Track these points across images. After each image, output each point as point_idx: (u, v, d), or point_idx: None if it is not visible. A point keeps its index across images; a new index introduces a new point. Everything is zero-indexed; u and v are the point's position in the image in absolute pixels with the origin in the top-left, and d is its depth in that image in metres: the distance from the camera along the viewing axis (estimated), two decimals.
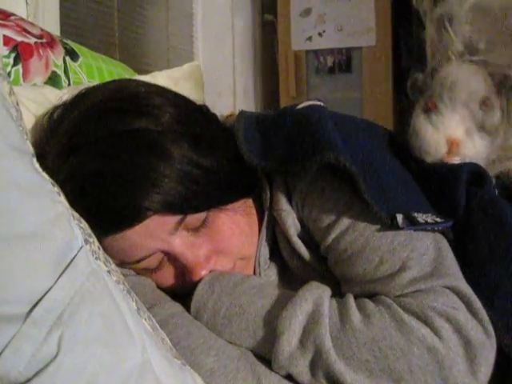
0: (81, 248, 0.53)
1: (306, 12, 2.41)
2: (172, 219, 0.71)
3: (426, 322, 0.63)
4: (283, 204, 0.77)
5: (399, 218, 0.68)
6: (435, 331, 0.62)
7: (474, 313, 0.64)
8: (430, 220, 0.70)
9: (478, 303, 0.65)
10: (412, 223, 0.68)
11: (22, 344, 0.45)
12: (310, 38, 2.43)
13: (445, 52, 0.83)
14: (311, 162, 0.70)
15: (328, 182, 0.75)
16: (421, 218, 0.69)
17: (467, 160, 0.78)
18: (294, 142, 0.75)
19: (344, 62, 2.44)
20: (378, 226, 0.70)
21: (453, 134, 0.77)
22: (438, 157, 0.78)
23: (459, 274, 0.68)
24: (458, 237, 0.72)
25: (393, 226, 0.68)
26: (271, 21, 2.51)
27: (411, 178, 0.78)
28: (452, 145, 0.77)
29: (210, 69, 2.26)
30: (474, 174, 0.79)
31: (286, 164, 0.73)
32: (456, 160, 0.78)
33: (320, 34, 2.42)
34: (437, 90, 0.79)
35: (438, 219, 0.71)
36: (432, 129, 0.78)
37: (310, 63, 2.45)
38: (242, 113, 0.86)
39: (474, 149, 0.77)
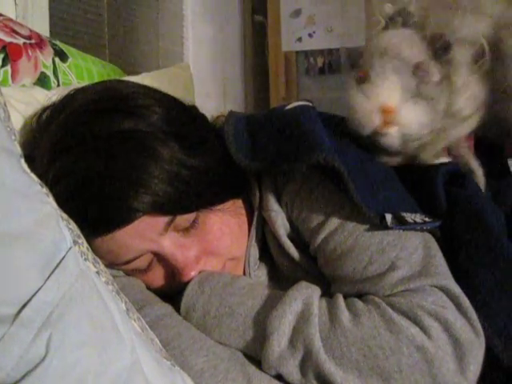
0: (69, 249, 0.52)
1: (296, 13, 2.41)
2: (161, 220, 0.71)
3: (415, 321, 0.63)
4: (272, 204, 0.77)
5: (388, 217, 0.69)
6: (424, 330, 0.63)
7: (462, 312, 0.64)
8: (418, 220, 0.70)
9: (466, 302, 0.65)
10: (401, 223, 0.69)
11: (10, 345, 0.45)
12: (299, 39, 2.43)
13: (377, 18, 0.79)
14: (300, 162, 0.70)
15: (317, 183, 0.75)
16: (409, 217, 0.70)
17: (406, 130, 0.73)
18: (282, 143, 0.75)
19: (334, 62, 2.44)
20: (367, 226, 0.70)
21: (385, 101, 0.72)
22: (373, 127, 0.73)
23: (448, 274, 0.69)
24: (444, 237, 0.73)
25: (382, 225, 0.69)
26: (261, 22, 2.51)
27: (397, 177, 0.78)
28: (385, 113, 0.72)
29: (200, 70, 2.26)
30: (452, 173, 0.79)
31: (275, 165, 0.73)
32: (393, 130, 0.73)
33: (310, 35, 2.42)
34: (368, 58, 0.75)
35: (427, 219, 0.71)
36: (364, 99, 0.73)
37: (300, 64, 2.45)
38: (231, 113, 0.86)
39: (410, 116, 0.72)
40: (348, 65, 0.78)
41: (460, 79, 0.74)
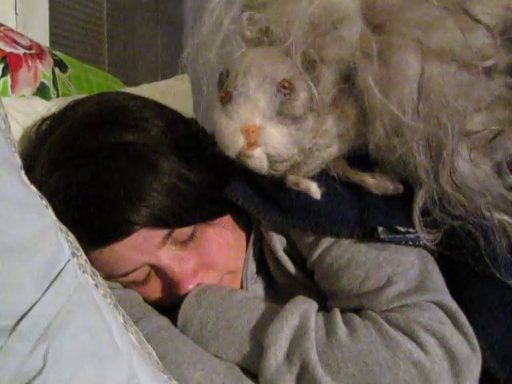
0: (68, 261, 0.52)
1: None
2: (159, 233, 0.71)
3: (412, 336, 0.63)
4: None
5: (380, 229, 0.69)
6: (421, 346, 0.63)
7: (459, 327, 0.64)
8: (411, 230, 0.70)
9: (463, 318, 0.65)
10: (393, 233, 0.69)
11: (7, 358, 0.45)
12: None
13: (237, 43, 0.74)
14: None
15: None
16: (402, 228, 0.70)
17: (270, 150, 0.68)
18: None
19: None
20: (363, 241, 0.70)
21: (247, 121, 0.67)
22: (237, 149, 0.68)
23: (445, 289, 0.69)
24: (442, 254, 0.72)
25: (374, 238, 0.69)
26: None
27: None
28: (248, 133, 0.67)
29: (199, 82, 2.26)
30: None
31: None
32: (257, 151, 0.68)
33: None
34: (232, 79, 0.70)
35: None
36: (227, 120, 0.69)
37: None
38: None
39: (274, 136, 0.67)
40: (220, 85, 0.74)
41: (328, 97, 0.70)
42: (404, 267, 0.68)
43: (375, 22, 0.69)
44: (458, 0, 0.68)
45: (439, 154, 0.66)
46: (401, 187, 0.71)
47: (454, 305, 0.66)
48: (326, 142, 0.72)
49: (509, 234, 0.67)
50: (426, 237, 0.68)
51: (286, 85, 0.69)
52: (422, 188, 0.67)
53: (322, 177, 0.73)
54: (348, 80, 0.70)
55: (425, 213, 0.69)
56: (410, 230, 0.69)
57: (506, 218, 0.68)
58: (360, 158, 0.73)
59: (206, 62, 0.75)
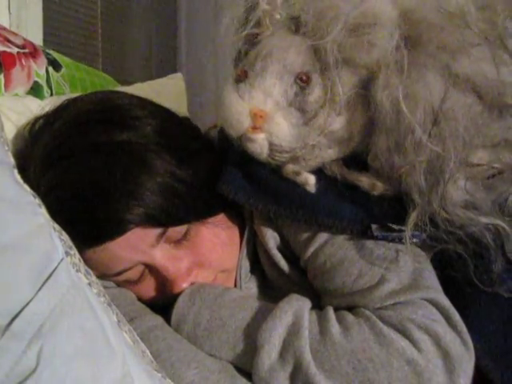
0: (61, 260, 0.52)
1: None
2: (153, 232, 0.71)
3: (405, 334, 0.63)
4: (263, 217, 0.78)
5: (373, 227, 0.69)
6: (414, 343, 0.63)
7: (452, 325, 0.65)
8: (404, 228, 0.70)
9: (456, 315, 0.66)
10: (387, 231, 0.69)
11: (0, 358, 0.45)
12: None
13: (266, 24, 0.72)
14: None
15: None
16: (396, 226, 0.70)
17: (274, 139, 0.68)
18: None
19: None
20: (356, 239, 0.71)
21: (258, 105, 0.67)
22: (242, 130, 0.68)
23: (438, 287, 0.69)
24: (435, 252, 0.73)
25: (367, 235, 0.69)
26: None
27: None
28: (255, 117, 0.66)
29: (193, 80, 2.26)
30: None
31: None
32: (261, 137, 0.68)
33: None
34: (251, 59, 0.69)
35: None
36: (237, 98, 0.68)
37: None
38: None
39: (281, 126, 0.67)
40: (232, 63, 0.74)
41: (341, 100, 0.69)
42: (397, 265, 0.68)
43: (409, 34, 0.68)
44: (499, 33, 0.67)
45: (437, 177, 0.65)
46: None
47: (447, 302, 0.67)
48: (329, 142, 0.72)
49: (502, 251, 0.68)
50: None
51: (304, 78, 0.68)
52: (416, 210, 0.67)
53: (319, 172, 0.73)
54: (365, 87, 0.69)
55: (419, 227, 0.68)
56: (404, 228, 0.69)
57: (492, 243, 0.67)
58: (356, 157, 0.73)
59: (238, 39, 0.74)
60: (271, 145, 0.69)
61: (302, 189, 0.71)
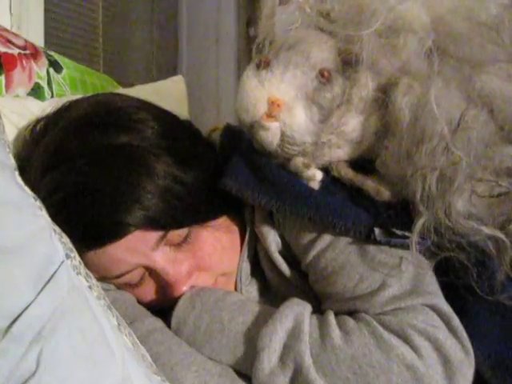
0: (62, 263, 0.52)
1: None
2: (154, 235, 0.71)
3: (406, 339, 0.63)
4: (264, 220, 0.77)
5: (377, 231, 0.69)
6: (415, 349, 0.63)
7: (453, 331, 0.65)
8: (408, 234, 0.70)
9: (457, 321, 0.66)
10: (390, 236, 0.69)
11: (0, 360, 0.45)
12: None
13: (295, 17, 0.74)
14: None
15: None
16: (399, 231, 0.70)
17: (287, 130, 0.68)
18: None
19: None
20: (358, 244, 0.70)
21: (276, 93, 0.67)
22: (256, 116, 0.68)
23: (439, 293, 0.69)
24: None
25: (370, 239, 0.69)
26: (256, 35, 2.52)
27: None
28: (273, 105, 0.66)
29: (194, 82, 2.26)
30: None
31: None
32: (275, 126, 0.67)
33: None
34: (276, 48, 0.70)
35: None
36: (257, 84, 0.68)
37: None
38: (228, 127, 0.87)
39: (296, 117, 0.67)
40: (255, 51, 0.74)
41: (359, 102, 0.70)
42: (398, 270, 0.68)
43: (437, 42, 0.68)
44: None
45: (446, 186, 0.65)
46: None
47: (447, 308, 0.67)
48: (339, 142, 0.72)
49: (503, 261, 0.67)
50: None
51: (326, 74, 0.68)
52: (422, 217, 0.67)
53: (326, 172, 0.73)
54: (384, 91, 0.70)
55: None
56: (407, 233, 0.69)
57: (494, 252, 0.67)
58: (364, 161, 0.73)
59: (268, 26, 0.76)
60: (283, 135, 0.69)
61: (308, 187, 0.71)
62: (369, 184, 0.71)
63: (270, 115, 0.68)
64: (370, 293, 0.68)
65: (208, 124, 0.95)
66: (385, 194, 0.70)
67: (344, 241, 0.71)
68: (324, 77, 0.68)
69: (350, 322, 0.66)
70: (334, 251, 0.71)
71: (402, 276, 0.68)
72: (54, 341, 0.47)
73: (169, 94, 1.16)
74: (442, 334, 0.64)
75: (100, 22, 1.97)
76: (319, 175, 0.71)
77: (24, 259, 0.49)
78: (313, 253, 0.73)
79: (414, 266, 0.69)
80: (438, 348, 0.63)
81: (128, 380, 0.52)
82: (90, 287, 0.56)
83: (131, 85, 1.23)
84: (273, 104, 0.67)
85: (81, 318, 0.51)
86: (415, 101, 0.66)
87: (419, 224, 0.66)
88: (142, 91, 1.10)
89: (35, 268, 0.50)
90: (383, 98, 0.69)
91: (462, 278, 0.68)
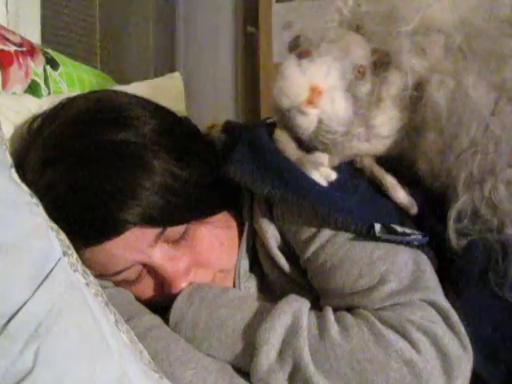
0: (59, 260, 0.52)
1: (288, 25, 2.42)
2: (152, 232, 0.71)
3: (404, 335, 0.63)
4: (264, 215, 0.77)
5: (377, 227, 0.69)
6: (413, 344, 0.63)
7: (451, 326, 0.65)
8: (407, 231, 0.70)
9: (455, 317, 0.66)
10: (390, 233, 0.69)
11: None
12: None
13: (332, 17, 0.80)
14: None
15: None
16: (399, 228, 0.70)
17: (325, 117, 0.70)
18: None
19: None
20: (357, 239, 0.70)
21: (318, 81, 0.70)
22: (297, 102, 0.70)
23: (438, 288, 0.69)
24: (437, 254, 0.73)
25: (370, 235, 0.69)
26: (253, 33, 2.52)
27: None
28: (314, 92, 0.69)
29: (191, 79, 2.26)
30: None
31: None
32: (314, 112, 0.70)
33: None
34: (317, 41, 0.74)
35: (416, 232, 0.71)
36: (299, 72, 0.71)
37: None
38: (228, 122, 0.87)
39: (335, 105, 0.70)
40: (292, 47, 0.77)
41: (387, 99, 0.75)
42: (397, 266, 0.68)
43: (463, 41, 0.72)
44: None
45: (489, 169, 0.68)
46: (414, 206, 0.74)
47: (446, 304, 0.67)
48: (368, 136, 0.75)
49: None
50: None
51: (361, 70, 0.73)
52: (459, 201, 0.70)
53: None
54: (416, 89, 0.74)
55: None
56: (407, 230, 0.70)
57: None
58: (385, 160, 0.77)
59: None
60: (320, 123, 0.71)
61: (313, 179, 0.72)
62: (387, 179, 0.74)
63: (310, 101, 0.70)
64: (368, 288, 0.68)
65: (205, 121, 0.95)
66: (400, 191, 0.73)
67: (343, 236, 0.71)
68: (360, 72, 0.72)
69: (348, 317, 0.66)
70: (333, 247, 0.71)
71: (401, 272, 0.68)
72: (50, 338, 0.47)
73: (166, 90, 1.15)
74: (441, 329, 0.64)
75: (97, 20, 1.97)
76: (332, 176, 0.73)
77: (21, 257, 0.49)
78: (312, 248, 0.72)
79: (414, 262, 0.69)
80: (436, 343, 0.63)
81: (125, 377, 0.52)
82: (87, 284, 0.56)
83: (128, 82, 1.22)
84: (314, 91, 0.70)
85: (78, 316, 0.51)
86: (450, 93, 0.70)
87: (457, 206, 0.70)
88: (139, 88, 1.09)
89: (32, 265, 0.49)
90: (415, 95, 0.73)
91: (463, 270, 0.70)
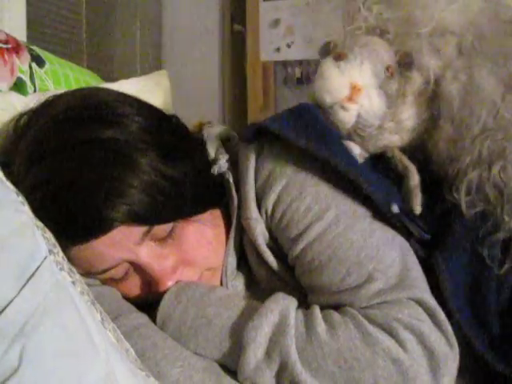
0: (45, 258, 0.52)
1: (275, 23, 2.42)
2: (138, 230, 0.71)
3: (391, 333, 0.63)
4: (252, 212, 0.77)
5: (394, 206, 0.72)
6: (400, 343, 0.63)
7: (438, 324, 0.65)
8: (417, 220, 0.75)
9: (442, 315, 0.66)
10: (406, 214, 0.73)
11: None
12: (278, 49, 2.44)
13: (358, 25, 0.89)
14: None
15: (298, 193, 0.75)
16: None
17: (364, 112, 0.80)
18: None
19: (312, 73, 2.45)
20: (346, 238, 0.71)
21: (357, 80, 0.79)
22: (338, 98, 0.80)
23: (425, 287, 0.69)
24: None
25: (388, 212, 0.72)
26: (240, 31, 2.52)
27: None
28: (354, 89, 0.79)
29: (178, 77, 2.26)
30: None
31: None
32: (354, 107, 0.79)
33: (288, 45, 2.43)
34: (349, 46, 0.83)
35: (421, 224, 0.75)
36: (338, 72, 0.80)
37: (278, 74, 2.46)
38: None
39: (372, 101, 0.80)
40: (324, 52, 0.86)
41: (411, 96, 0.83)
42: (385, 264, 0.69)
43: (472, 41, 0.81)
44: None
45: (499, 153, 0.75)
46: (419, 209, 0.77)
47: (433, 302, 0.67)
48: (396, 129, 0.83)
49: None
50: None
51: (390, 70, 0.81)
52: (466, 178, 0.76)
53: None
54: (434, 85, 0.82)
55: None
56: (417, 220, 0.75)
57: None
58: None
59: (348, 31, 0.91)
60: (359, 117, 0.80)
61: (349, 153, 0.79)
62: (411, 168, 0.81)
63: (350, 98, 0.79)
64: (356, 287, 0.68)
65: (192, 119, 0.95)
66: (419, 195, 0.79)
67: (331, 235, 0.71)
68: (389, 72, 0.81)
69: (335, 315, 0.67)
70: (321, 245, 0.71)
71: (389, 270, 0.68)
72: (36, 337, 0.47)
73: (153, 88, 1.15)
74: (427, 327, 0.64)
75: (83, 17, 1.96)
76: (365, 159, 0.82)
77: (6, 255, 0.49)
78: (300, 246, 0.73)
79: (401, 261, 0.70)
80: (422, 341, 0.63)
81: (112, 375, 0.52)
82: (73, 283, 0.56)
83: (115, 79, 1.22)
84: (354, 89, 0.79)
85: (64, 314, 0.51)
86: (462, 86, 0.78)
87: (467, 179, 0.76)
88: (126, 86, 1.09)
89: (17, 264, 0.49)
90: (433, 90, 0.82)
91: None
